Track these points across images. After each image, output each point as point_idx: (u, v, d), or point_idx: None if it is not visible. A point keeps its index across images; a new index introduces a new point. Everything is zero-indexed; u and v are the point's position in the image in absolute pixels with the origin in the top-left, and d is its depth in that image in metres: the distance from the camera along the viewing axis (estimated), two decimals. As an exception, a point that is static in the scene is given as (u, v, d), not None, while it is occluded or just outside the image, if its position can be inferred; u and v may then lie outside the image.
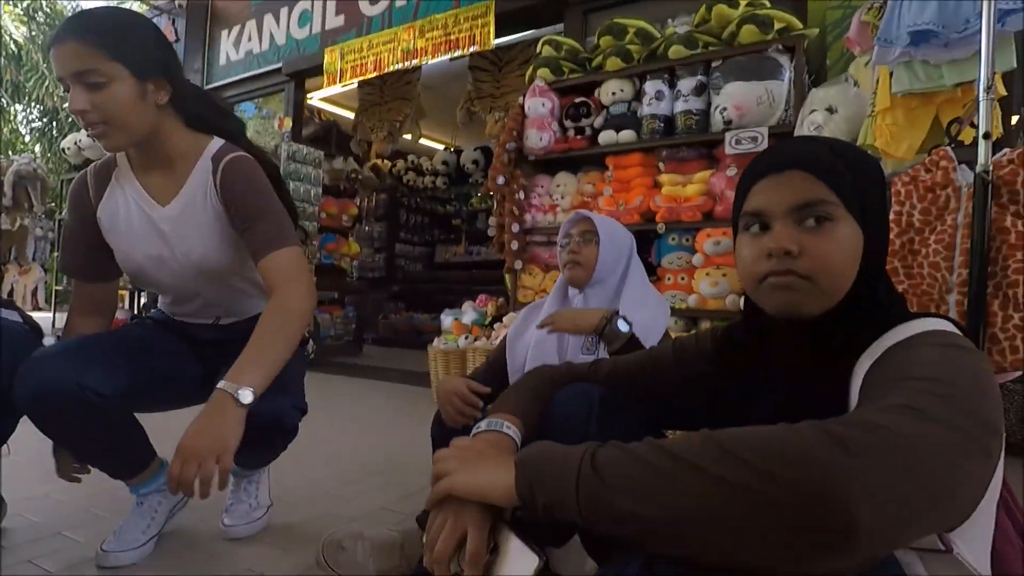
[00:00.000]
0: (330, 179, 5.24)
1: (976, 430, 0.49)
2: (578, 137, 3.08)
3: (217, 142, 1.21)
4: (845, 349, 0.65)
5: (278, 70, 5.25)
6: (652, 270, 2.88)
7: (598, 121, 3.05)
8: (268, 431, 1.13)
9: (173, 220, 1.18)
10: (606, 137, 2.96)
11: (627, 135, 2.91)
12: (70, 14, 1.51)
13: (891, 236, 1.84)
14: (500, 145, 3.15)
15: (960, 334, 0.61)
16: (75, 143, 5.57)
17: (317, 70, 4.85)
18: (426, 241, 8.03)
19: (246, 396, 0.98)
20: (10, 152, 12.01)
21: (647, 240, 2.90)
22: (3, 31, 11.42)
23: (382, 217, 7.54)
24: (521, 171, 3.18)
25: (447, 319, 3.44)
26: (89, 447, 1.17)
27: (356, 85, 4.99)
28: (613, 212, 2.86)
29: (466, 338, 3.18)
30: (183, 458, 0.92)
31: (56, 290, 6.18)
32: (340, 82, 4.62)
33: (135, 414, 1.21)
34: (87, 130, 1.08)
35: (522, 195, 3.14)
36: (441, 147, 7.53)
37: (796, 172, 0.67)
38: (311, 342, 1.46)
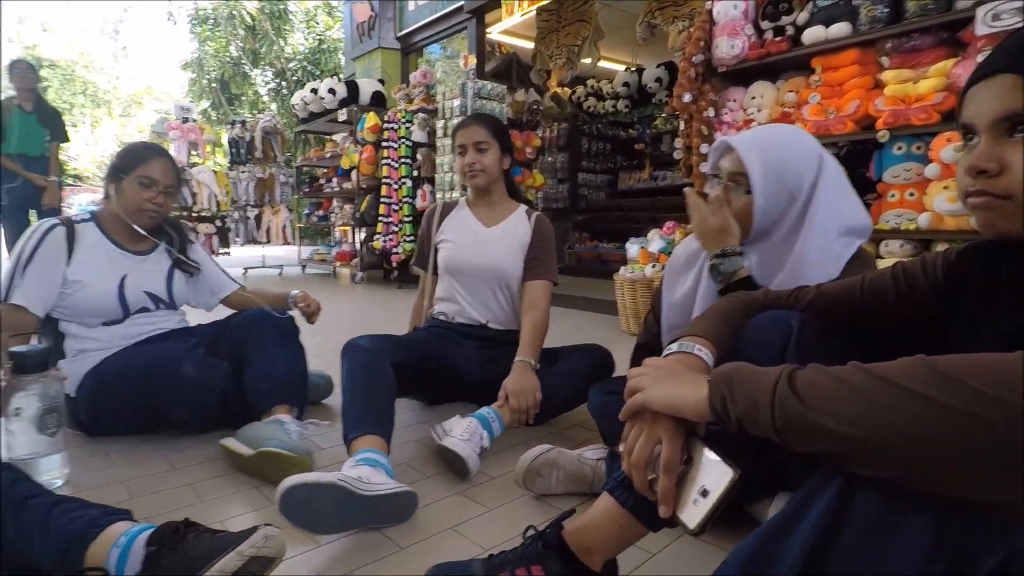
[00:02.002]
0: (513, 112, 5.36)
1: None
2: (777, 39, 2.73)
3: (522, 206, 1.91)
4: None
5: (460, 8, 5.42)
6: (871, 187, 2.52)
7: (802, 17, 2.66)
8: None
9: (493, 236, 1.83)
10: (812, 35, 2.58)
11: (840, 28, 2.50)
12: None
13: None
14: (685, 59, 2.92)
15: None
16: (301, 99, 6.42)
17: (496, 2, 4.90)
18: (608, 168, 7.89)
19: (534, 363, 1.61)
20: (254, 112, 14.29)
21: (865, 152, 2.53)
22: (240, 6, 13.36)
23: (564, 147, 7.55)
24: (710, 85, 2.93)
25: (633, 248, 3.42)
26: None
27: (534, 13, 4.96)
28: (821, 121, 2.53)
29: (653, 266, 3.14)
30: (516, 396, 1.49)
31: (299, 227, 7.39)
32: (519, 10, 4.63)
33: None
34: (471, 175, 1.79)
35: (712, 112, 2.91)
36: (622, 68, 7.21)
37: (1006, 76, 0.57)
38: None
